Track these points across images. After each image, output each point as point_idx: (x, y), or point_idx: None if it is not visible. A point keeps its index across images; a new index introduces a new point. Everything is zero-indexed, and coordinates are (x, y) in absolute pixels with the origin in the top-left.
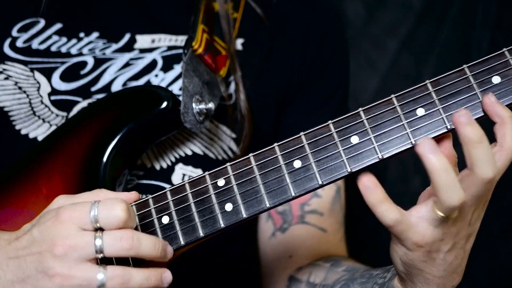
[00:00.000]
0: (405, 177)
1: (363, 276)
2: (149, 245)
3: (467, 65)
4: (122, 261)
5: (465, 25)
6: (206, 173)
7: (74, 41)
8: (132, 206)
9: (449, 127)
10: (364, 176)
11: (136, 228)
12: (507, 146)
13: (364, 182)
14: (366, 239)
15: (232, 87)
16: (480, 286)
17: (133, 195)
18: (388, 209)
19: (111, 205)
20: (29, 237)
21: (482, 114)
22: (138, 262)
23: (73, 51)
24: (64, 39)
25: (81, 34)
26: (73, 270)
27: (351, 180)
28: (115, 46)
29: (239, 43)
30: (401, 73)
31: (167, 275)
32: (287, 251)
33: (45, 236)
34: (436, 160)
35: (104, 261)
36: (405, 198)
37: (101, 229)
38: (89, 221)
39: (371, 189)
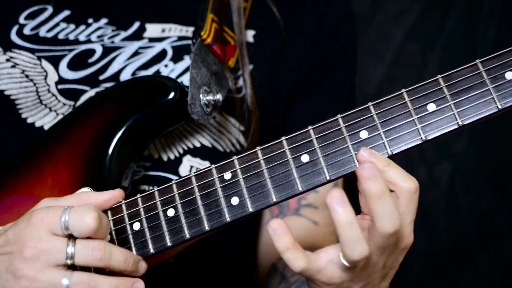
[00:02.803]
0: (410, 167)
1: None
2: (120, 258)
3: (480, 60)
4: (95, 269)
5: (471, 15)
6: (213, 166)
7: (82, 27)
8: (137, 198)
9: (460, 123)
10: (274, 221)
11: (141, 222)
12: (400, 189)
13: (273, 226)
14: None
15: (241, 80)
16: (485, 277)
17: (117, 193)
18: (294, 257)
19: (82, 212)
20: (4, 238)
21: (496, 110)
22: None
23: (81, 37)
24: (72, 26)
25: (90, 20)
26: (39, 274)
27: (348, 179)
28: (124, 34)
29: (250, 35)
30: (406, 63)
31: (139, 285)
32: None
33: (17, 237)
34: (342, 213)
35: (74, 268)
36: None
37: (72, 236)
38: (59, 226)
39: (280, 235)
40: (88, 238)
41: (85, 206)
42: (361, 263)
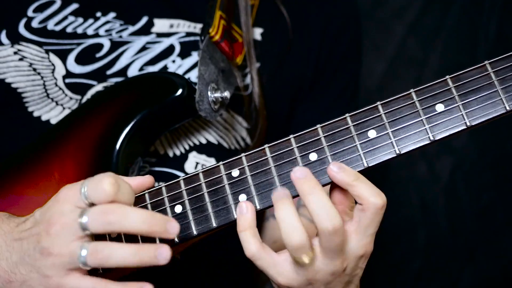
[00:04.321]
0: (411, 162)
1: None
2: (137, 219)
3: (489, 62)
4: (131, 239)
5: (472, 10)
6: (221, 163)
7: (90, 21)
8: (145, 193)
9: (468, 123)
10: (243, 201)
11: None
12: (367, 203)
13: (240, 206)
14: None
15: (249, 78)
16: (485, 272)
17: (147, 179)
18: (248, 239)
19: (98, 179)
20: (32, 219)
21: (504, 111)
22: (148, 240)
23: (90, 31)
24: (80, 20)
25: (98, 14)
26: (63, 248)
27: None
28: (131, 29)
29: (258, 33)
30: (407, 57)
31: (163, 251)
32: (272, 236)
33: (44, 216)
34: (281, 206)
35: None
36: (410, 183)
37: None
38: (81, 198)
39: (242, 214)
40: None
41: (102, 174)
42: (307, 258)
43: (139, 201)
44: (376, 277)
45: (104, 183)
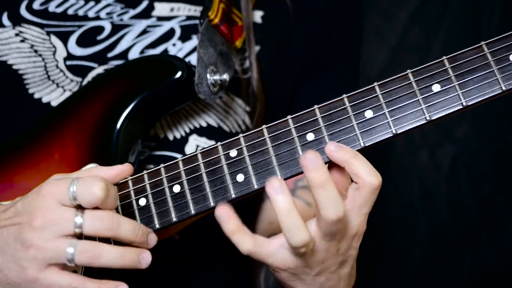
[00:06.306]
0: (412, 150)
1: None
2: (129, 228)
3: (485, 42)
4: (103, 241)
5: None
6: (219, 143)
7: (91, 3)
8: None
9: (464, 103)
10: (219, 207)
11: (147, 198)
12: (363, 182)
13: (218, 213)
14: None
15: (248, 62)
16: (486, 261)
17: (126, 167)
18: (241, 239)
19: (90, 182)
20: (13, 209)
21: (500, 91)
22: (121, 244)
23: (90, 14)
24: (82, 2)
25: None
26: (47, 243)
27: None
28: (132, 12)
29: (258, 16)
30: (410, 46)
31: (145, 256)
32: (269, 217)
33: (26, 208)
34: (282, 201)
35: (81, 238)
36: (412, 171)
37: (81, 207)
38: (68, 197)
39: (224, 220)
40: (97, 209)
41: (92, 177)
42: (306, 249)
43: (138, 181)
44: (377, 265)
45: (95, 188)
